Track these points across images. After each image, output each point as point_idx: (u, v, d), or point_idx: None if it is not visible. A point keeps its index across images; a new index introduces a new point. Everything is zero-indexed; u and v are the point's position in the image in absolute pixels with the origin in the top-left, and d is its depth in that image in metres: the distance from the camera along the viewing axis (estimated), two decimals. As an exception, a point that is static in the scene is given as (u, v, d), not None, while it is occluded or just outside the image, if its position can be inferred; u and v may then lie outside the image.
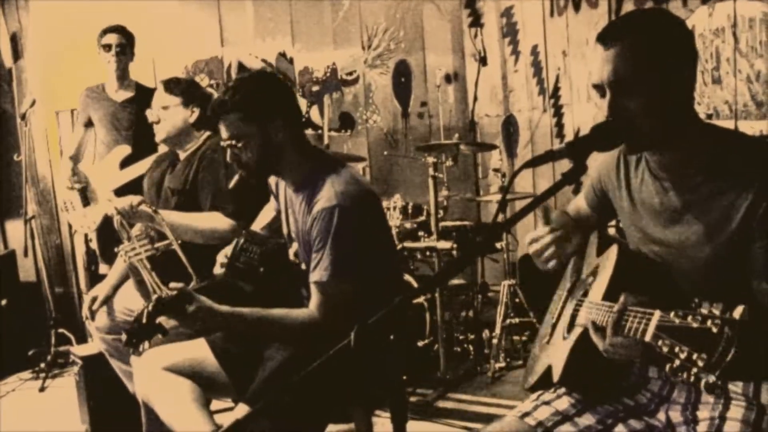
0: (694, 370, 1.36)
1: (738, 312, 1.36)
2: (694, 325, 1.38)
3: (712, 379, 1.34)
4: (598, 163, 2.14)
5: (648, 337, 1.48)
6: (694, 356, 1.37)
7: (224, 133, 2.52)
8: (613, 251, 1.97)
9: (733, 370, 1.33)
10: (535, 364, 2.17)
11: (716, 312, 1.37)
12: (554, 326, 2.16)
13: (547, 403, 2.01)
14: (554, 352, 2.05)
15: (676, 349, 1.39)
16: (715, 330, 1.35)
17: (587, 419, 1.95)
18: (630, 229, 2.03)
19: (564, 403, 2.00)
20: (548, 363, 2.04)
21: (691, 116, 1.83)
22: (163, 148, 3.78)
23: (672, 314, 1.43)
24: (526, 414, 1.98)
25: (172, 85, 3.43)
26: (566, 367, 1.93)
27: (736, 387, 1.80)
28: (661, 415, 1.90)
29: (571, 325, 2.01)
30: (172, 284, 2.39)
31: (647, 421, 1.92)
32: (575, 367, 1.91)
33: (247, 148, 2.49)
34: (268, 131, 2.49)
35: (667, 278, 1.89)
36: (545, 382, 2.04)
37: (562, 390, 2.03)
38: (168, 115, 3.39)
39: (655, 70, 1.74)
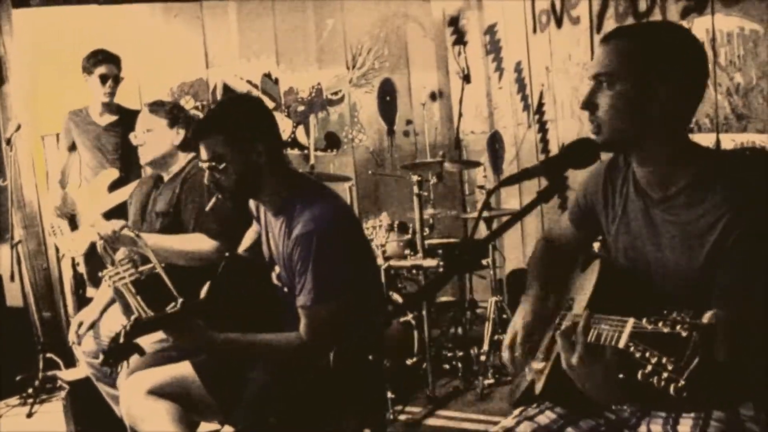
0: (665, 374, 1.38)
1: (707, 317, 1.38)
2: (665, 330, 1.41)
3: (681, 383, 1.36)
4: (584, 180, 2.15)
5: (622, 344, 1.50)
6: (664, 360, 1.39)
7: (204, 154, 2.51)
8: (596, 265, 1.99)
9: (701, 376, 1.35)
10: (521, 380, 2.18)
11: (686, 318, 1.40)
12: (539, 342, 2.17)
13: (529, 418, 2.02)
14: (537, 367, 2.05)
15: (648, 354, 1.42)
16: (684, 334, 1.37)
17: None
18: (614, 245, 2.04)
19: (546, 418, 2.01)
20: (532, 378, 2.05)
21: (679, 133, 1.84)
22: (147, 171, 3.78)
23: (644, 320, 1.46)
24: (509, 429, 1.99)
25: (156, 108, 3.43)
26: (548, 380, 1.95)
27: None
28: (643, 428, 1.91)
29: (554, 340, 2.02)
30: (173, 304, 2.40)
31: None
32: (557, 380, 1.91)
33: (226, 170, 2.48)
34: (249, 155, 2.49)
35: (648, 291, 1.91)
36: (529, 397, 2.05)
37: (545, 405, 2.04)
38: (153, 138, 3.38)
39: (645, 73, 1.76)
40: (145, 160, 3.44)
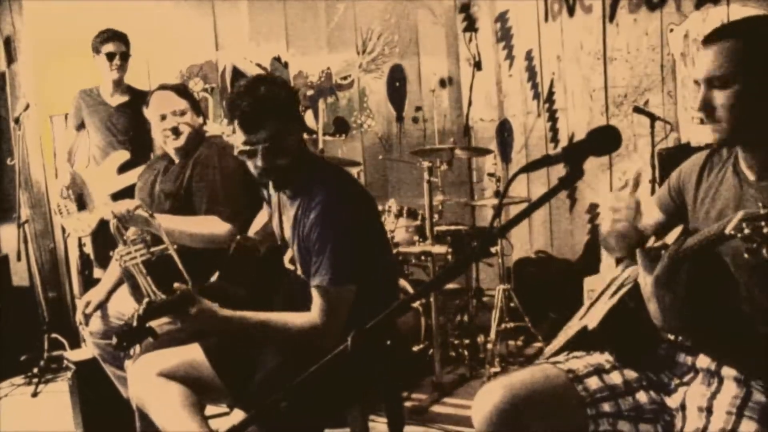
0: None
1: None
2: None
3: None
4: (683, 164, 2.20)
5: (730, 227, 1.55)
6: None
7: (261, 135, 2.39)
8: (677, 229, 2.08)
9: None
10: (564, 334, 2.27)
11: None
12: (592, 305, 2.25)
13: (578, 357, 2.10)
14: (592, 315, 2.15)
15: (763, 224, 1.48)
16: None
17: (615, 378, 2.03)
18: (696, 220, 2.08)
19: (597, 358, 2.08)
20: (582, 325, 2.15)
21: None
22: (157, 152, 3.76)
23: (761, 204, 1.51)
24: (559, 362, 2.06)
25: (183, 90, 3.40)
26: (605, 318, 2.05)
27: (757, 383, 1.87)
28: (678, 397, 1.97)
29: (619, 289, 2.13)
30: (177, 285, 2.37)
31: (663, 398, 2.01)
32: (614, 320, 2.05)
33: (284, 148, 2.42)
34: (299, 132, 2.49)
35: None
36: (573, 345, 2.15)
37: (594, 352, 2.11)
38: (186, 120, 3.34)
39: (757, 70, 1.81)
40: (181, 143, 3.36)
